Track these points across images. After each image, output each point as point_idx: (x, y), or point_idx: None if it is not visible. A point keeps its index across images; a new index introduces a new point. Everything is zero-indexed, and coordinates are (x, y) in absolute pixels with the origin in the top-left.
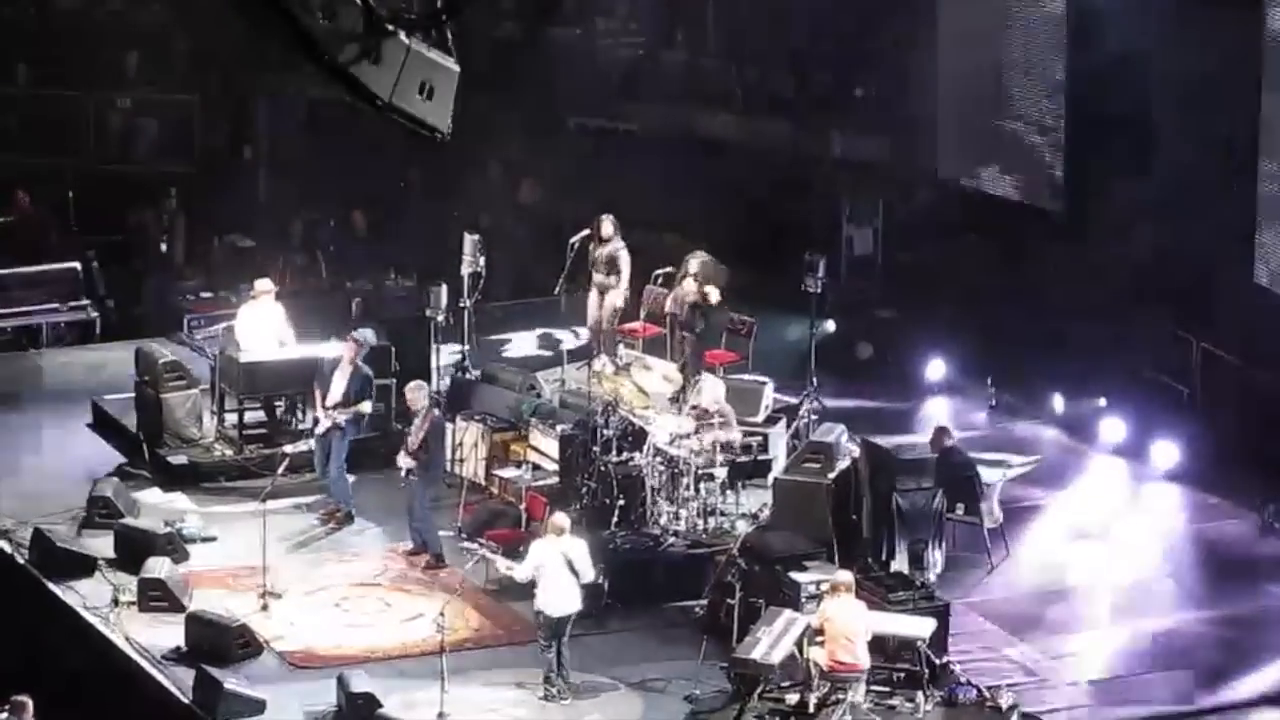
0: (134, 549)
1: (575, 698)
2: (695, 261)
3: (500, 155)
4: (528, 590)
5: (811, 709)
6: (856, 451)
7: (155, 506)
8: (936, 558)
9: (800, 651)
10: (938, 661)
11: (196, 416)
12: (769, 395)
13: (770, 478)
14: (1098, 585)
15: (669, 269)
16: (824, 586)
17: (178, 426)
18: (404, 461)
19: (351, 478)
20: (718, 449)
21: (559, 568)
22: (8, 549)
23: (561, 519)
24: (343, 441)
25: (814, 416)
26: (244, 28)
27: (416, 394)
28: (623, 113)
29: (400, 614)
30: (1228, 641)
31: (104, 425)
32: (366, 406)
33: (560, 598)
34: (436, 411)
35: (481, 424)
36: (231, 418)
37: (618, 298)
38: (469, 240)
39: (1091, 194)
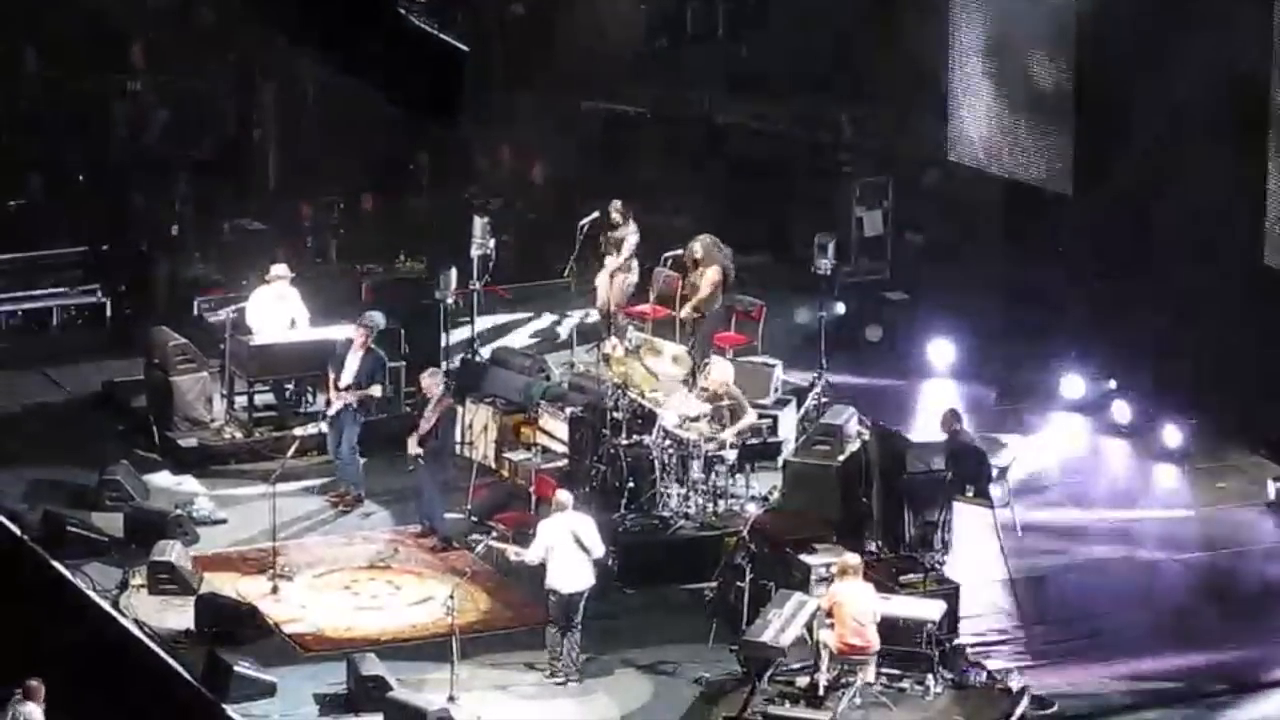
0: (144, 531)
1: (584, 679)
2: (695, 248)
3: (510, 138)
4: (537, 573)
5: (822, 691)
6: (866, 434)
7: (165, 489)
8: (946, 540)
9: (810, 634)
10: (948, 644)
11: (206, 399)
12: (778, 377)
13: (780, 460)
14: (1107, 568)
15: (679, 251)
16: (833, 569)
17: (188, 409)
18: (414, 448)
19: (362, 460)
20: (741, 437)
21: (568, 544)
22: (18, 531)
23: (564, 495)
24: (354, 424)
25: (824, 399)
26: (254, 12)
27: (432, 380)
28: (634, 95)
29: (410, 597)
30: (1237, 624)
31: (114, 408)
32: (376, 391)
33: (571, 575)
34: (451, 399)
35: (491, 407)
36: (241, 400)
37: (629, 278)
38: (478, 222)
39: (1101, 176)
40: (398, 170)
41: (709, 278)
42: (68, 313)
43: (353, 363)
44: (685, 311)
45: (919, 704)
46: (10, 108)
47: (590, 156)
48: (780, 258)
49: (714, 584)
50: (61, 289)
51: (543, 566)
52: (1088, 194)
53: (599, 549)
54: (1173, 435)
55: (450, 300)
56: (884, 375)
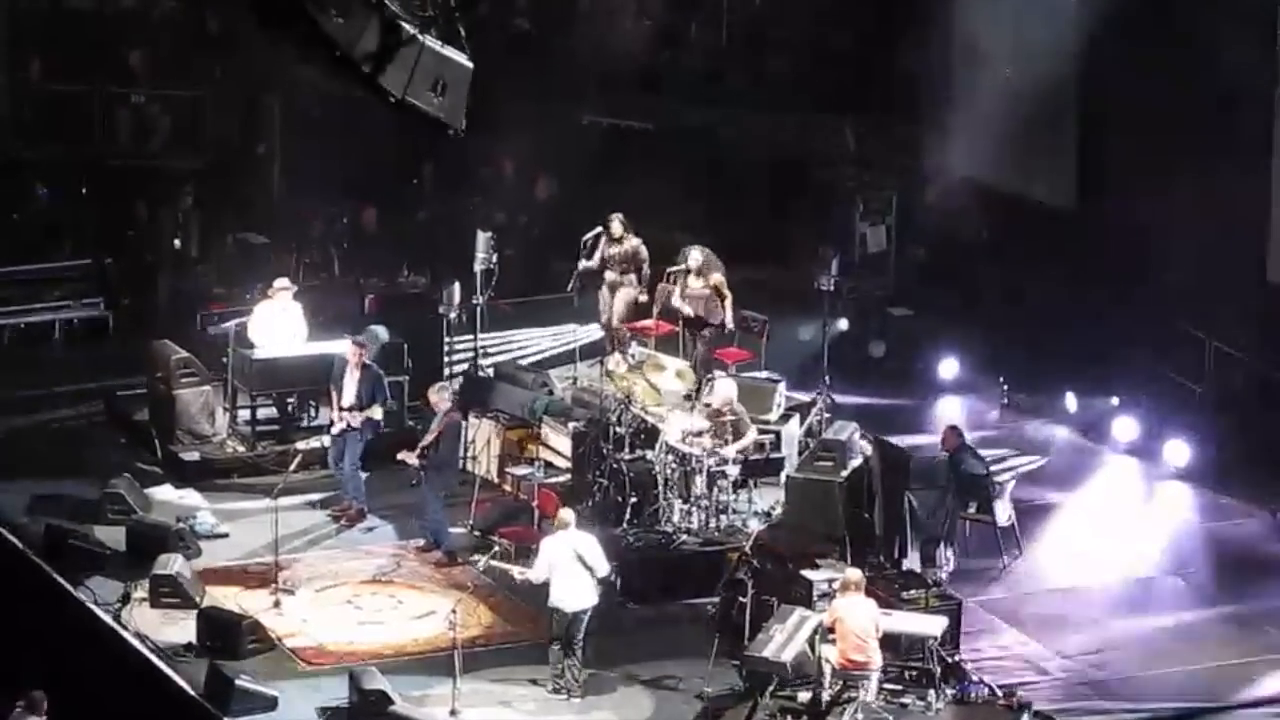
0: (146, 545)
1: (586, 694)
2: (694, 257)
3: (514, 152)
4: (539, 587)
5: (824, 707)
6: (869, 450)
7: (167, 503)
8: (948, 556)
9: (812, 649)
10: (950, 660)
11: (209, 413)
12: (781, 393)
13: (783, 476)
14: (1110, 584)
15: (682, 267)
16: (835, 584)
17: (190, 423)
18: (409, 458)
19: (364, 474)
20: (743, 454)
21: (571, 563)
22: (20, 544)
23: (566, 513)
24: (357, 442)
25: (826, 415)
26: (258, 24)
27: (440, 395)
28: (637, 109)
29: (412, 611)
30: (1240, 641)
31: (117, 421)
32: (377, 413)
33: (575, 593)
34: (456, 414)
35: (494, 421)
36: (244, 414)
37: (633, 293)
38: (482, 237)
39: (1104, 192)
40: (401, 184)
41: (721, 282)
42: (70, 325)
43: (351, 382)
44: (729, 318)
45: None
46: (15, 119)
47: (593, 171)
48: (783, 273)
49: (716, 599)
50: (64, 302)
51: (545, 583)
52: (1090, 208)
53: (603, 567)
54: (1176, 452)
55: (453, 315)
56: (887, 391)
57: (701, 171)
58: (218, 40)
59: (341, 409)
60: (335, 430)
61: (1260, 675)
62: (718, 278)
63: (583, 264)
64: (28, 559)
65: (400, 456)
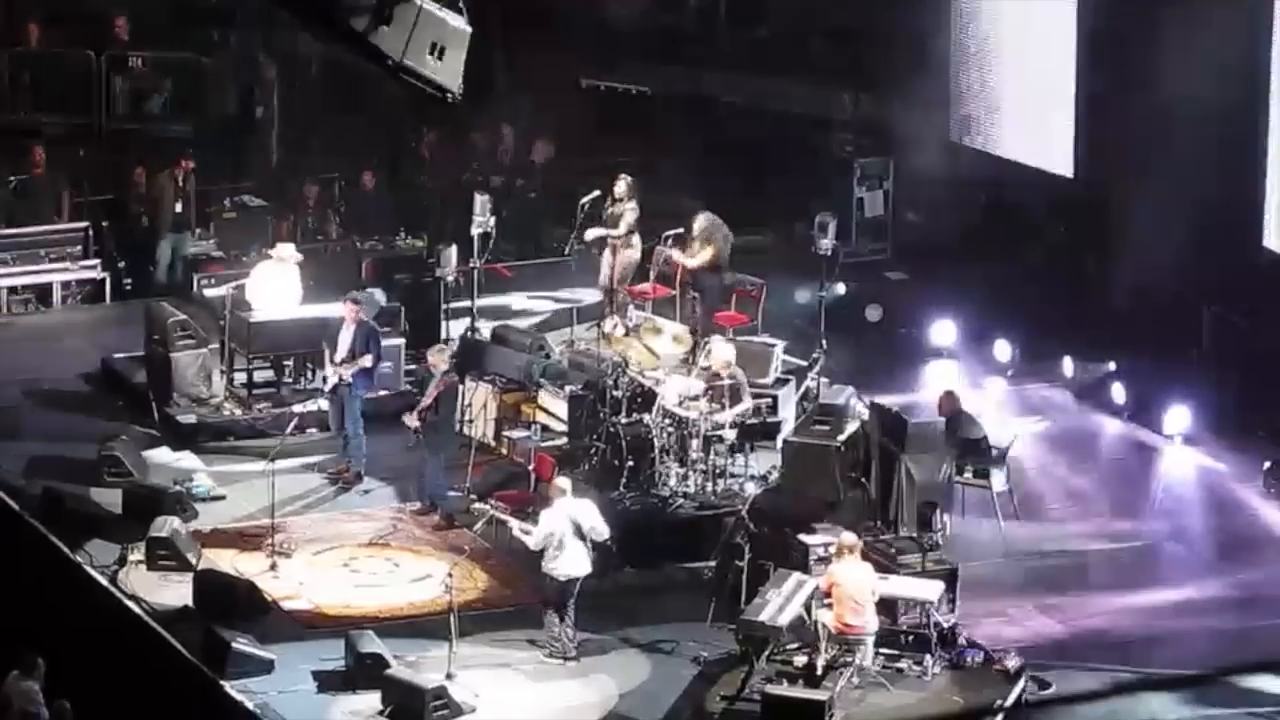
0: (143, 507)
1: (583, 658)
2: (698, 223)
3: (511, 115)
4: (535, 552)
5: (819, 671)
6: (866, 414)
7: (164, 465)
8: (945, 521)
9: (808, 614)
10: (945, 624)
11: (206, 376)
12: (778, 357)
13: (779, 440)
14: (1105, 548)
15: (679, 230)
16: (831, 549)
17: (187, 386)
18: (410, 420)
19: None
20: (734, 419)
21: (568, 532)
22: (17, 507)
23: (563, 481)
24: (355, 399)
25: (823, 379)
26: None
27: (439, 356)
28: (635, 73)
29: (409, 574)
30: (1234, 604)
31: (114, 384)
32: (367, 360)
33: (569, 561)
34: (454, 376)
35: (491, 385)
36: (241, 377)
37: (633, 256)
38: (479, 200)
39: (1101, 157)
40: (399, 147)
41: (703, 257)
42: (68, 288)
43: (345, 338)
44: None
45: (917, 684)
46: (13, 83)
47: (591, 134)
48: (781, 238)
49: (712, 563)
50: (62, 264)
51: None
52: (1088, 175)
53: (603, 531)
54: (1176, 417)
55: (450, 278)
56: (884, 355)
57: (699, 135)
58: (218, 4)
59: (334, 363)
60: (327, 386)
61: (1257, 640)
62: (710, 253)
63: (591, 233)
64: (25, 521)
65: (404, 419)
